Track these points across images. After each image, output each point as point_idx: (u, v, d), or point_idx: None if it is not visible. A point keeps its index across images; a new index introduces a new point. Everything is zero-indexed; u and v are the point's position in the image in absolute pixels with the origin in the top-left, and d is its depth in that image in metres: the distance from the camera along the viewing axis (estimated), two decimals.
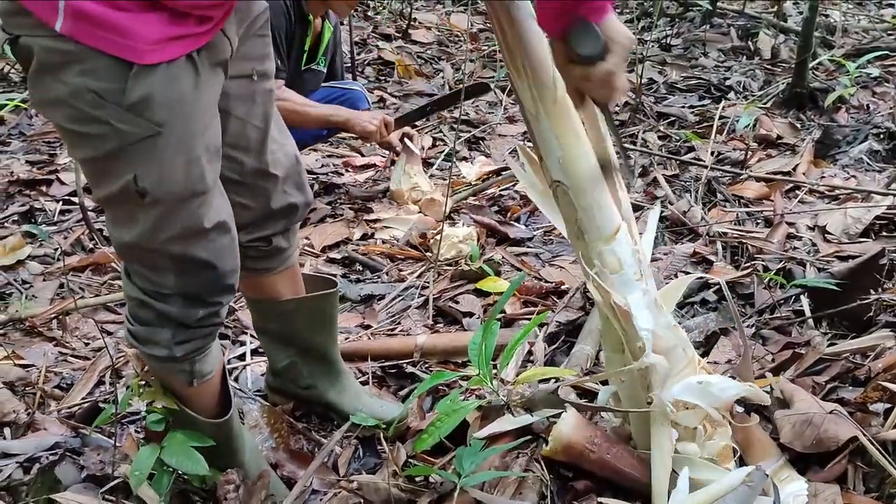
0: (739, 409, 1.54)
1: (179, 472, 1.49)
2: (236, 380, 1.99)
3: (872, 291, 1.88)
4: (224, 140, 1.37)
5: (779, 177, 3.11)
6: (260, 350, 2.11)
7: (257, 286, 1.71)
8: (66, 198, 3.11)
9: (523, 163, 1.51)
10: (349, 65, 4.54)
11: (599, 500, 1.42)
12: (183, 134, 1.22)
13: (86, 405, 1.88)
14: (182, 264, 1.33)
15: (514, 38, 1.27)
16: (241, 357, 2.10)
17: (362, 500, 1.45)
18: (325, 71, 3.26)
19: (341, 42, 3.54)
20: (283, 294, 1.72)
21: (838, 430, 1.42)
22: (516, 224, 3.00)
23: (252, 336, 2.15)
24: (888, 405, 1.47)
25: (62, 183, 3.21)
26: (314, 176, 3.54)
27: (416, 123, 4.08)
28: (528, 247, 2.81)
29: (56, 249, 2.67)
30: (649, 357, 1.34)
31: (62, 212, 3.04)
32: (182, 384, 1.48)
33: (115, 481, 1.50)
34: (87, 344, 2.19)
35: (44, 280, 2.52)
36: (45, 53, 1.15)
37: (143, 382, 1.52)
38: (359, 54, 4.92)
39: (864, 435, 1.41)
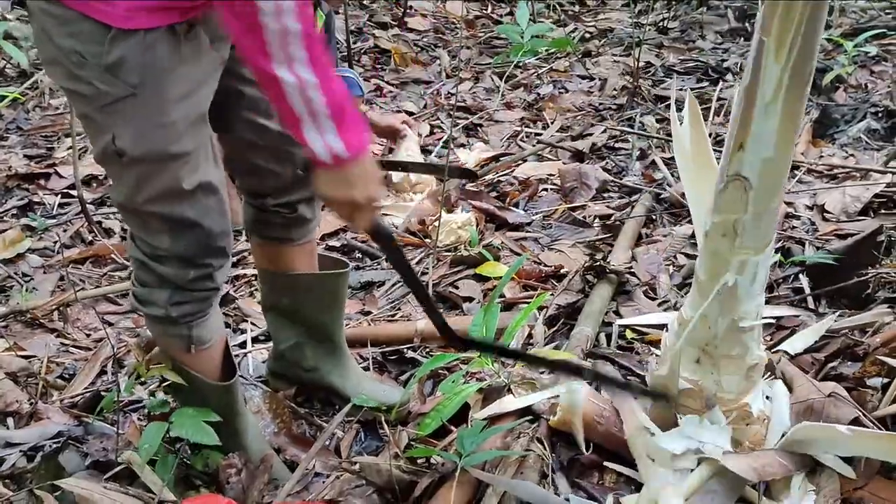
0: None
1: (182, 457, 1.50)
2: (238, 367, 1.99)
3: (870, 268, 1.88)
4: (242, 104, 1.49)
5: None
6: (260, 338, 2.12)
7: (276, 257, 1.75)
8: (65, 191, 3.11)
9: (684, 117, 1.38)
10: (345, 54, 4.53)
11: (605, 463, 1.43)
12: (157, 98, 1.30)
13: (88, 394, 1.89)
14: (171, 224, 1.40)
15: (800, 12, 1.11)
16: (242, 345, 2.10)
17: (364, 482, 1.46)
18: None
19: (335, 30, 3.53)
20: (300, 268, 1.76)
21: (839, 412, 1.41)
22: (515, 209, 3.00)
23: (253, 324, 2.15)
24: (886, 379, 1.48)
25: (60, 176, 3.22)
26: None
27: (412, 112, 4.09)
28: (527, 231, 2.81)
29: (55, 242, 2.67)
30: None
31: (61, 205, 3.04)
32: (181, 350, 1.52)
33: (119, 468, 1.52)
34: (88, 335, 2.20)
35: (44, 273, 2.53)
36: (43, 16, 1.27)
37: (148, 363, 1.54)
38: (354, 43, 4.90)
39: (865, 415, 1.41)
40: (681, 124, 1.42)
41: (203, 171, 1.39)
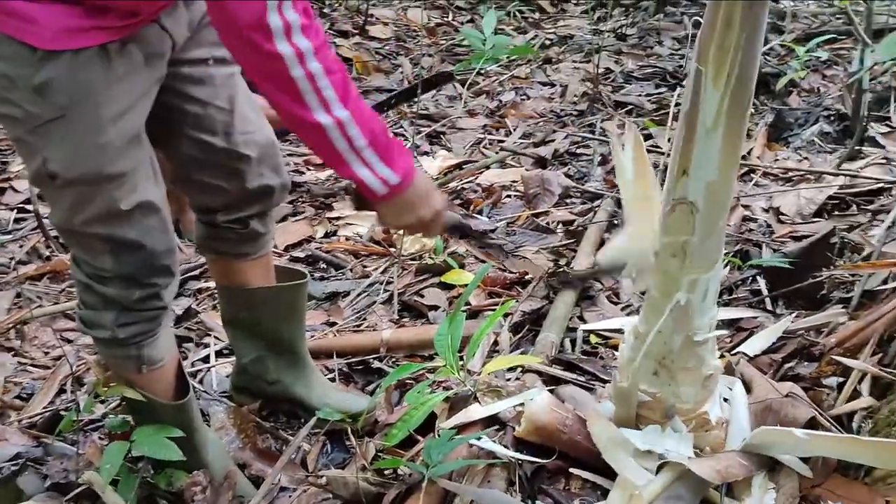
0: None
1: (145, 476, 1.48)
2: (201, 382, 1.98)
3: (824, 269, 1.93)
4: (186, 122, 1.47)
5: None
6: (224, 352, 2.10)
7: (231, 272, 1.73)
8: (21, 206, 3.05)
9: (624, 145, 1.40)
10: None
11: (570, 470, 1.44)
12: (89, 120, 1.27)
13: (47, 414, 1.85)
14: (112, 245, 1.37)
15: (736, 40, 1.14)
16: (206, 359, 2.08)
17: (331, 496, 1.45)
18: None
19: None
20: (256, 283, 1.74)
21: (797, 412, 1.45)
22: (479, 216, 3.01)
23: (216, 338, 2.13)
24: (841, 379, 1.51)
25: (16, 191, 3.15)
26: None
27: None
28: (491, 238, 2.82)
29: (11, 259, 2.62)
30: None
31: (17, 220, 2.98)
32: (131, 371, 1.50)
33: (80, 489, 1.49)
34: (46, 353, 2.16)
35: (0, 290, 2.47)
36: None
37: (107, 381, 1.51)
38: None
39: (822, 415, 1.45)
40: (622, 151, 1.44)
41: (142, 190, 1.37)
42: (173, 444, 1.44)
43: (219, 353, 2.09)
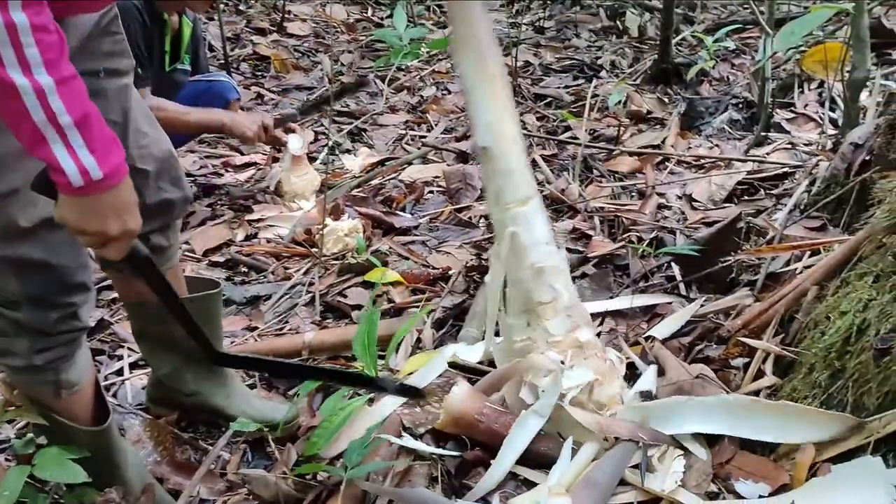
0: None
1: (55, 496, 1.42)
2: (115, 395, 1.92)
3: (732, 254, 1.99)
4: None
5: (649, 150, 3.25)
6: (139, 363, 2.04)
7: (137, 287, 1.64)
8: None
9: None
10: (223, 62, 4.42)
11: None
12: None
13: None
14: (17, 267, 1.29)
15: (461, 11, 1.41)
16: (119, 372, 2.02)
17: (252, 496, 1.42)
18: (190, 69, 3.16)
19: (203, 36, 3.44)
20: None
21: (706, 393, 1.50)
22: (402, 213, 3.01)
23: (130, 349, 2.07)
24: (747, 359, 1.57)
25: None
26: (192, 178, 3.43)
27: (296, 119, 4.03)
28: (415, 235, 2.83)
29: None
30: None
31: None
32: (49, 396, 1.42)
33: None
34: None
35: None
36: None
37: (11, 405, 1.45)
38: (232, 50, 4.80)
39: (728, 394, 1.50)
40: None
41: (43, 205, 1.25)
42: (77, 467, 1.39)
43: (133, 365, 2.03)
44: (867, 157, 1.75)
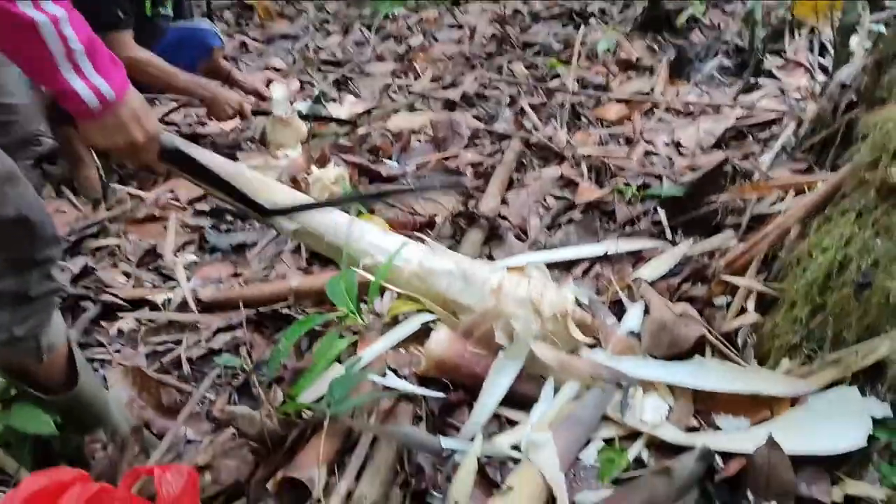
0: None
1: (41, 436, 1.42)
2: (99, 342, 1.91)
3: (718, 197, 1.99)
4: None
5: (638, 97, 3.22)
6: (124, 308, 2.03)
7: None
8: None
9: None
10: (205, 10, 4.33)
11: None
12: None
13: None
14: None
15: None
16: (102, 316, 2.01)
17: (239, 438, 1.42)
18: (171, 14, 3.10)
19: None
20: None
21: (688, 330, 1.51)
22: (388, 161, 2.99)
23: (113, 295, 2.06)
24: (730, 298, 1.58)
25: None
26: (176, 127, 3.40)
27: (280, 69, 3.97)
28: (401, 183, 2.81)
29: None
30: None
31: None
32: (31, 363, 1.38)
33: None
34: None
35: None
36: None
37: None
38: None
39: (710, 332, 1.51)
40: None
41: None
42: (47, 419, 1.37)
43: (118, 308, 2.02)
44: (854, 98, 1.73)
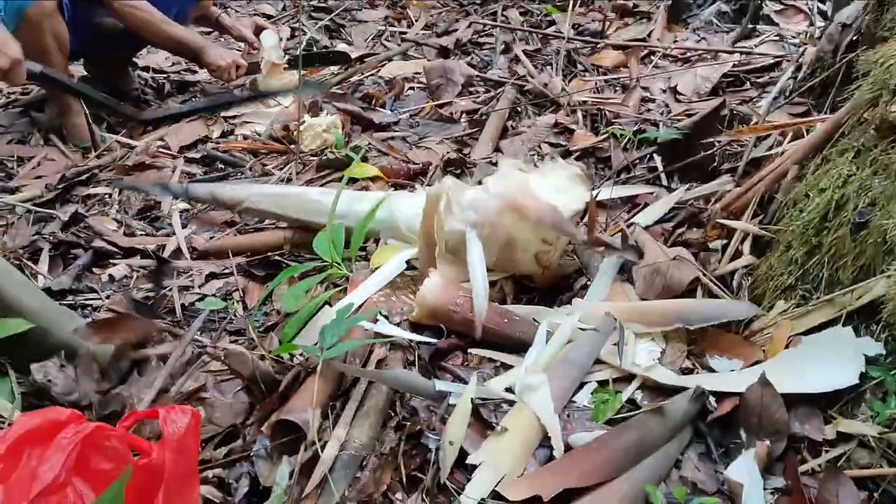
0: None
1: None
2: (92, 289, 1.89)
3: (715, 140, 1.96)
4: None
5: (635, 44, 3.17)
6: (116, 255, 2.01)
7: None
8: None
9: None
10: None
11: (470, 350, 1.47)
12: None
13: None
14: None
15: None
16: (94, 264, 1.99)
17: (230, 372, 1.42)
18: None
19: None
20: None
21: (681, 274, 1.51)
22: (381, 109, 2.94)
23: (105, 241, 2.04)
24: (726, 241, 1.57)
25: None
26: (164, 74, 3.34)
27: (270, 15, 3.89)
28: (394, 131, 2.77)
29: None
30: None
31: None
32: None
33: None
34: None
35: None
36: None
37: None
38: None
39: (705, 274, 1.50)
40: None
41: None
42: (19, 319, 1.35)
43: (107, 255, 2.01)
44: (855, 37, 1.70)
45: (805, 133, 1.65)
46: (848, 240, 1.24)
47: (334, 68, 3.29)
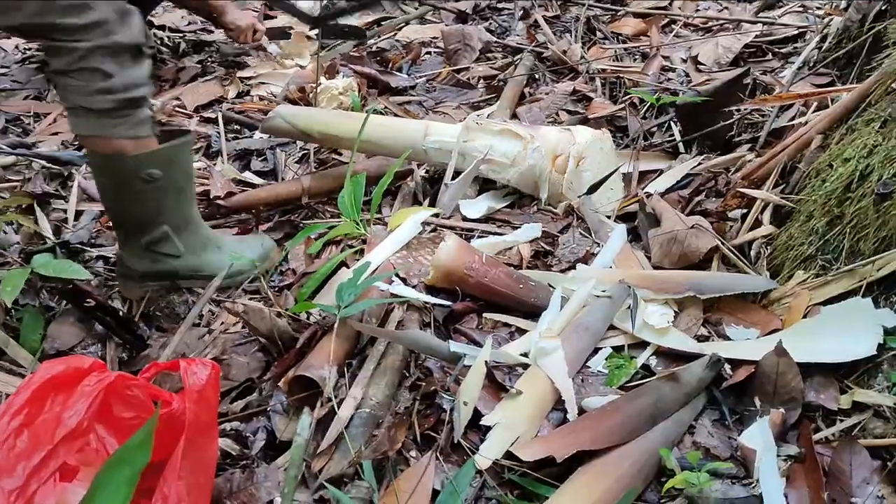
0: None
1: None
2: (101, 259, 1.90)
3: (736, 109, 1.94)
4: None
5: (656, 11, 3.13)
6: None
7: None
8: None
9: None
10: None
11: (484, 315, 1.47)
12: None
13: None
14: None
15: None
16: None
17: (247, 328, 1.43)
18: None
19: None
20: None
21: (699, 242, 1.50)
22: (398, 73, 2.92)
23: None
24: (745, 210, 1.56)
25: None
26: (181, 34, 3.32)
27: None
28: (411, 95, 2.75)
29: None
30: None
31: None
32: (148, 134, 1.45)
33: None
34: None
35: None
36: None
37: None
38: None
39: (723, 243, 1.50)
40: None
41: None
42: (78, 266, 1.39)
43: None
44: (884, 7, 1.67)
45: (830, 103, 1.62)
46: (871, 210, 1.23)
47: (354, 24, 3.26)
